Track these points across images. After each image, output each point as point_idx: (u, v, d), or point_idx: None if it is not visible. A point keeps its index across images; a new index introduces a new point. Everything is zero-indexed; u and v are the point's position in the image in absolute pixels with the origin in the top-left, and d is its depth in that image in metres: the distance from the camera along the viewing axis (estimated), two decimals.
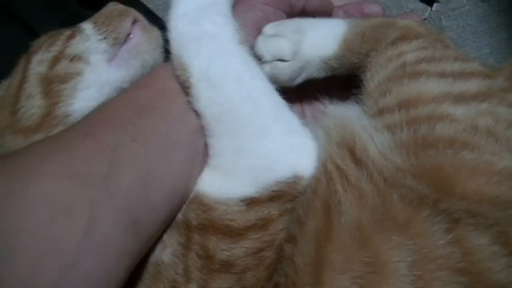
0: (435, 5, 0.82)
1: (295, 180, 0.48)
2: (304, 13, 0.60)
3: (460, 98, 0.46)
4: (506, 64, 0.54)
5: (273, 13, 0.57)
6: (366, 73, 0.55)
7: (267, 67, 0.53)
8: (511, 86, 0.50)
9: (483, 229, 0.40)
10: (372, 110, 0.50)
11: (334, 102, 0.57)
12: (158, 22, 0.58)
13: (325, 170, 0.47)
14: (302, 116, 0.58)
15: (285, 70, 0.54)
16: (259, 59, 0.53)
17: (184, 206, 0.49)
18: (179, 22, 0.50)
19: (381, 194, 0.43)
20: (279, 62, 0.54)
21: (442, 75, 0.49)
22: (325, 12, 0.63)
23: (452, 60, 0.50)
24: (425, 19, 0.82)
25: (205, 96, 0.48)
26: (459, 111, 0.46)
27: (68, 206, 0.40)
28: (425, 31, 0.57)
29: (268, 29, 0.55)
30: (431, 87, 0.48)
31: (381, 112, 0.49)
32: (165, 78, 0.50)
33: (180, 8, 0.51)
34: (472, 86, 0.48)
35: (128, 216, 0.42)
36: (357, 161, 0.46)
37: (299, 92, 0.59)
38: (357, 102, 0.55)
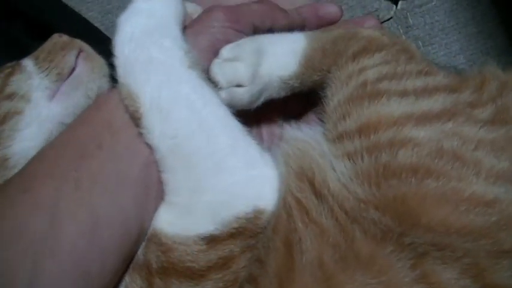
0: (400, 2, 0.79)
1: (257, 214, 0.44)
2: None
3: (423, 119, 0.43)
4: (473, 73, 0.50)
5: (233, 35, 0.52)
6: (326, 90, 0.51)
7: (223, 93, 0.49)
8: (478, 100, 0.46)
9: (451, 262, 0.38)
10: (332, 134, 0.47)
11: (292, 123, 0.54)
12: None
13: (285, 204, 0.44)
14: (260, 139, 0.55)
15: (243, 96, 0.50)
16: (215, 85, 0.49)
17: (144, 244, 0.46)
18: (125, 48, 0.46)
19: (342, 230, 0.40)
20: (236, 88, 0.49)
21: (403, 93, 0.45)
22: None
23: (415, 76, 0.47)
24: (390, 18, 0.79)
25: (157, 128, 0.45)
26: (422, 133, 0.42)
27: (9, 269, 0.38)
28: (388, 41, 0.54)
29: (225, 52, 0.51)
30: (392, 108, 0.44)
31: (340, 137, 0.45)
32: (110, 109, 0.46)
33: (125, 31, 0.47)
34: (435, 103, 0.45)
35: (75, 270, 0.40)
36: (317, 193, 0.43)
37: (255, 111, 0.56)
38: (320, 120, 0.51)
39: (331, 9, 0.59)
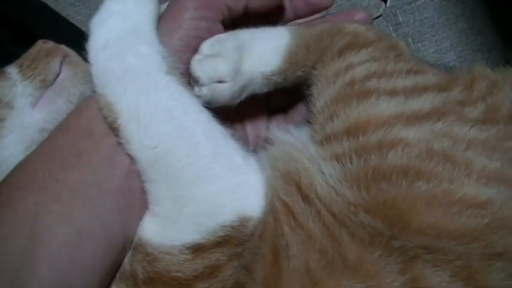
0: (389, 0, 0.78)
1: (243, 222, 0.43)
2: (247, 15, 0.53)
3: (413, 118, 0.42)
4: (463, 72, 0.49)
5: (206, 29, 0.49)
6: (312, 88, 0.49)
7: (204, 90, 0.47)
8: (468, 98, 0.45)
9: (443, 265, 0.37)
10: (319, 135, 0.45)
11: (278, 121, 0.52)
12: None
13: (272, 209, 0.43)
14: (244, 139, 0.54)
15: (225, 92, 0.48)
16: (195, 81, 0.48)
17: (130, 253, 0.44)
18: (100, 55, 0.45)
19: (330, 234, 0.39)
20: (218, 84, 0.48)
21: (393, 92, 0.44)
22: (275, 13, 0.56)
23: (405, 74, 0.45)
24: (380, 16, 0.78)
25: (136, 139, 0.43)
26: (412, 134, 0.41)
27: None
28: (374, 36, 0.52)
29: (205, 48, 0.48)
30: (382, 108, 0.43)
31: (328, 139, 0.44)
32: (90, 117, 0.44)
33: (99, 37, 0.45)
34: (425, 103, 0.43)
35: (57, 286, 0.38)
36: (304, 197, 0.42)
37: (239, 108, 0.54)
38: (306, 121, 0.50)
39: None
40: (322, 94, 0.47)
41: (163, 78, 0.44)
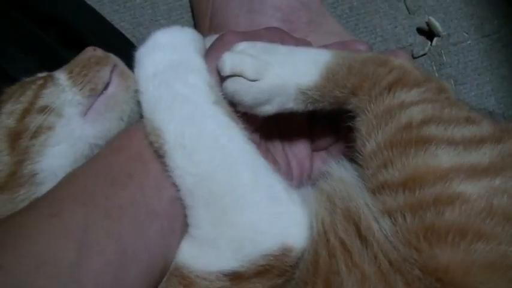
0: (435, 39, 0.76)
1: (284, 252, 0.41)
2: None
3: (472, 172, 0.39)
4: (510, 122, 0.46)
5: None
6: (358, 122, 0.47)
7: (227, 82, 0.46)
8: None
9: None
10: (372, 183, 0.43)
11: (322, 160, 0.50)
12: None
13: (327, 243, 0.41)
14: (289, 174, 0.52)
15: (247, 90, 0.45)
16: (220, 75, 0.46)
17: (166, 277, 0.43)
18: (149, 84, 0.44)
19: (385, 279, 0.38)
20: (240, 79, 0.45)
21: (452, 142, 0.41)
22: None
23: (463, 124, 0.43)
24: (424, 54, 0.76)
25: (180, 165, 0.42)
26: (471, 189, 0.39)
27: None
28: (423, 76, 0.49)
29: (240, 46, 0.47)
30: (441, 159, 0.40)
31: (381, 189, 0.42)
32: (140, 140, 0.44)
33: (149, 66, 0.45)
34: (484, 156, 0.41)
35: None
36: (362, 238, 0.40)
37: (284, 143, 0.53)
38: (352, 159, 0.48)
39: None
40: (373, 134, 0.45)
41: (210, 107, 0.44)
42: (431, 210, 0.38)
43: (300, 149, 0.55)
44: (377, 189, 0.42)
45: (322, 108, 0.49)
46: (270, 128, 0.52)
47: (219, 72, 0.46)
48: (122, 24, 0.93)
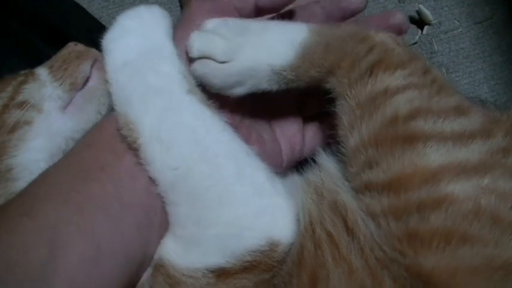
0: (426, 27, 0.75)
1: (271, 247, 0.40)
2: (260, 14, 0.49)
3: (461, 171, 0.37)
4: (505, 115, 0.43)
5: None
6: (339, 107, 0.44)
7: (195, 64, 0.43)
8: (510, 144, 0.40)
9: None
10: (356, 182, 0.41)
11: (314, 133, 0.48)
12: None
13: (313, 235, 0.40)
14: (277, 152, 0.50)
15: (217, 72, 0.43)
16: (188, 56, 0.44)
17: (151, 273, 0.42)
18: (119, 74, 0.42)
19: (371, 273, 0.36)
20: (209, 61, 0.43)
21: (441, 138, 0.39)
22: (289, 16, 0.52)
23: (453, 116, 0.41)
24: (415, 43, 0.75)
25: (158, 159, 0.40)
26: (459, 189, 0.37)
27: None
28: (406, 54, 0.46)
29: (209, 25, 0.45)
30: (430, 158, 0.38)
31: (364, 189, 0.40)
32: (113, 131, 0.42)
33: (118, 55, 0.43)
34: (473, 153, 0.38)
35: None
36: (349, 231, 0.39)
37: (270, 118, 0.51)
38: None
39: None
40: (356, 126, 0.42)
41: (185, 98, 0.42)
42: (416, 215, 0.36)
43: (289, 123, 0.52)
44: (360, 190, 0.40)
45: (297, 86, 0.46)
46: (253, 104, 0.49)
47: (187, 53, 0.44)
48: (111, 20, 0.92)
